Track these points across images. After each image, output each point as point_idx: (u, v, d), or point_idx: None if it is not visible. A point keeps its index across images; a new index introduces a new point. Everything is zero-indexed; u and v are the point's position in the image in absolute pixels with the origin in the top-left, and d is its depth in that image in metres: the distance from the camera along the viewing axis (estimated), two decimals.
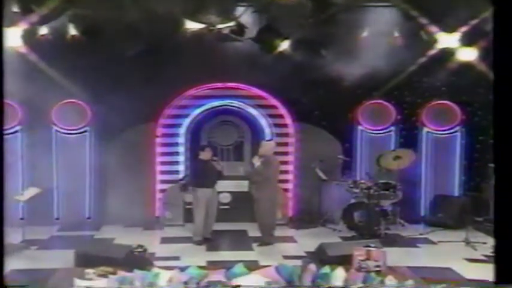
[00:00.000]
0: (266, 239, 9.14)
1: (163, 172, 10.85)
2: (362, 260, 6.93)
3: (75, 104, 10.64)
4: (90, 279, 6.48)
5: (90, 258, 7.12)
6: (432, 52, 10.12)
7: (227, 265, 7.21)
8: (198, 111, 10.85)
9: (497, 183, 4.03)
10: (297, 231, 10.20)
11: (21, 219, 10.08)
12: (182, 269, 7.00)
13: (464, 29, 9.46)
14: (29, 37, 9.53)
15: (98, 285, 6.34)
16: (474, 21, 9.18)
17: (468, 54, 9.98)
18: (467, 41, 9.81)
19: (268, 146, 9.40)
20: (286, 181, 10.92)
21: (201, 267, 7.19)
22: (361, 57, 9.85)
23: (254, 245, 9.13)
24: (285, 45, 10.02)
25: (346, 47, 10.08)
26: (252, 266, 7.30)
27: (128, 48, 9.59)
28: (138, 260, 7.40)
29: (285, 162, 10.85)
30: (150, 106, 10.38)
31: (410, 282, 6.46)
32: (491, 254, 7.67)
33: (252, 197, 9.31)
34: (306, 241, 9.25)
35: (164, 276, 6.70)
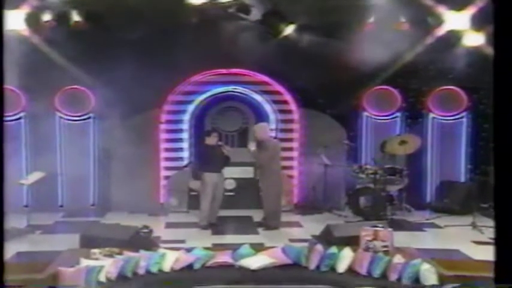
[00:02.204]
0: (271, 224, 9.10)
1: (167, 159, 10.81)
2: (369, 241, 6.86)
3: (78, 90, 10.59)
4: (96, 259, 6.43)
5: (96, 240, 7.06)
6: (439, 37, 10.01)
7: (233, 247, 7.16)
8: (202, 97, 10.81)
9: (497, 168, 3.95)
10: (302, 217, 10.15)
11: (25, 206, 10.07)
12: (188, 250, 6.96)
13: (471, 11, 9.35)
14: (33, 23, 9.49)
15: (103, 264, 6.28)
16: (480, 3, 9.09)
17: (474, 39, 9.88)
18: (474, 25, 9.72)
19: (260, 129, 9.28)
20: (291, 167, 10.88)
21: (207, 249, 7.14)
22: (367, 43, 9.76)
23: (260, 229, 9.08)
24: (289, 30, 9.96)
25: (351, 32, 10.01)
26: (259, 248, 7.26)
27: (131, 32, 9.53)
28: (144, 240, 7.36)
29: (290, 149, 10.84)
30: (154, 92, 10.30)
31: (418, 261, 6.40)
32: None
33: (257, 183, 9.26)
34: (312, 226, 9.19)
35: (170, 257, 6.66)
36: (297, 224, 9.62)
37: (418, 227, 9.33)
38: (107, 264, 6.25)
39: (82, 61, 10.02)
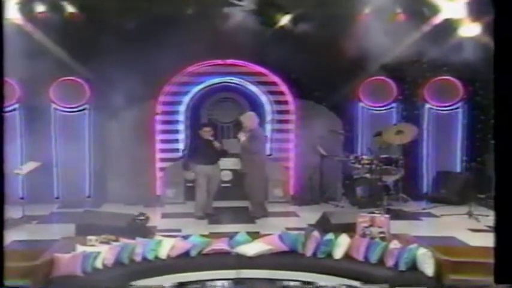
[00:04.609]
0: (259, 212, 9.16)
1: (163, 150, 10.77)
2: (366, 227, 6.86)
3: (73, 81, 10.53)
4: (93, 245, 6.41)
5: (92, 228, 7.03)
6: (435, 27, 9.98)
7: (229, 235, 7.15)
8: (198, 88, 10.76)
9: (498, 158, 3.94)
10: (299, 207, 10.12)
11: (21, 198, 10.01)
12: (185, 237, 6.95)
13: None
14: (27, 14, 9.45)
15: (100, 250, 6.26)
16: None
17: (471, 29, 9.84)
18: (471, 14, 9.68)
19: (249, 118, 9.27)
20: (287, 159, 10.86)
21: (203, 236, 7.12)
22: (363, 33, 9.73)
23: (255, 219, 9.06)
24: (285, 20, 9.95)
25: (347, 23, 9.99)
26: (255, 236, 7.25)
27: (126, 22, 9.50)
28: (140, 228, 7.34)
29: (286, 140, 10.82)
30: (150, 83, 10.26)
31: (415, 245, 6.40)
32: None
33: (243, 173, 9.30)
34: (308, 215, 9.17)
35: (167, 244, 6.65)
36: (294, 214, 9.62)
37: (414, 216, 9.33)
38: (104, 251, 6.24)
39: (77, 52, 9.98)
